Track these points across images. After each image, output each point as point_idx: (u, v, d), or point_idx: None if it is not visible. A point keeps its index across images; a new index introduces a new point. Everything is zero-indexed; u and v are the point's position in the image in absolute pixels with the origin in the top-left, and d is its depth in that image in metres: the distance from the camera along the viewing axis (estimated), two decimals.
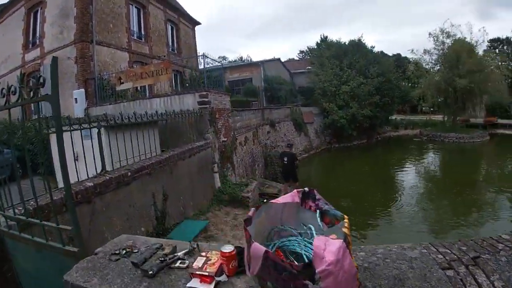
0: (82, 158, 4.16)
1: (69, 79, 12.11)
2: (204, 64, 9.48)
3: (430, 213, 11.06)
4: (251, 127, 15.48)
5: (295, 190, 1.59)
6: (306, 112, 25.28)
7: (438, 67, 28.93)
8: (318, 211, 1.55)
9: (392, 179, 16.59)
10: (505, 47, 41.50)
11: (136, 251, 1.92)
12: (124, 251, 1.91)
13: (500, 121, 32.41)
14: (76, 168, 3.96)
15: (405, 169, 18.75)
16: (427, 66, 30.32)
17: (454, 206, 11.57)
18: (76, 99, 10.94)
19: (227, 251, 1.56)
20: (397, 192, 13.78)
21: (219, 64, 10.71)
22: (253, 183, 10.35)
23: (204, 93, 8.94)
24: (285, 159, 10.32)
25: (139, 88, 11.61)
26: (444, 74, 26.36)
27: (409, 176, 16.79)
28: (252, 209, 1.39)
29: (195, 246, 1.90)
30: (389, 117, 31.45)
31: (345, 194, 13.28)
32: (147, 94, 12.62)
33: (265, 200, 8.08)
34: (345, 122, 25.16)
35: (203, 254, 1.73)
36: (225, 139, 10.48)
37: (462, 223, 9.79)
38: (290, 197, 1.53)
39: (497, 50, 38.60)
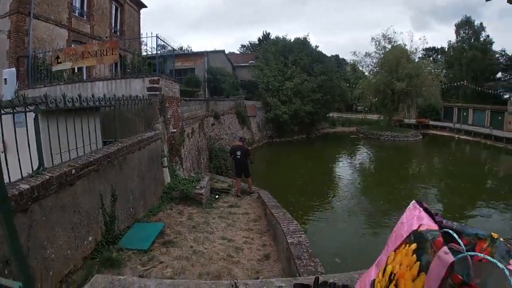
0: (13, 150, 3.11)
1: None
2: (156, 47, 8.42)
3: (367, 205, 12.13)
4: (197, 118, 14.65)
5: (412, 204, 1.11)
6: (249, 105, 25.08)
7: (377, 70, 30.94)
8: (448, 230, 1.09)
9: (334, 173, 17.32)
10: (439, 56, 46.05)
11: None
12: None
13: (432, 122, 36.41)
14: (6, 163, 2.94)
15: (345, 163, 19.79)
16: (367, 68, 32.43)
17: (388, 198, 12.56)
18: (5, 79, 8.98)
19: None
20: (340, 185, 14.50)
21: (171, 48, 9.69)
22: (205, 178, 9.62)
23: (156, 78, 7.92)
24: (238, 153, 9.85)
25: (76, 70, 10.02)
26: (384, 77, 28.24)
27: (348, 171, 17.73)
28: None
29: None
30: (327, 115, 32.93)
31: (292, 188, 13.41)
32: (84, 77, 10.98)
33: (216, 196, 7.35)
34: (287, 117, 25.57)
35: None
36: (175, 130, 9.58)
37: (394, 213, 10.55)
38: (416, 213, 1.05)
39: (431, 58, 42.65)
